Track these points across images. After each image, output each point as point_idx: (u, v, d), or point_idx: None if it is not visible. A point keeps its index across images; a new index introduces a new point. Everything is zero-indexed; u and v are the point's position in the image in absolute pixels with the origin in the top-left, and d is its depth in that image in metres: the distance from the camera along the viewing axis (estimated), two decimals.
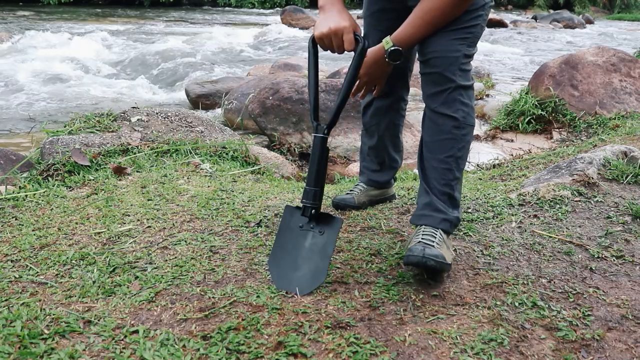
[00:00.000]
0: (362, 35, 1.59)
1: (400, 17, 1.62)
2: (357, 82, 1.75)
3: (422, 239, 1.55)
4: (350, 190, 2.14)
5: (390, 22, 1.70)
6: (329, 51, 1.62)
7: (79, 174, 2.43)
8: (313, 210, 1.55)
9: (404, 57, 1.64)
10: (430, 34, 1.59)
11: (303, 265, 1.51)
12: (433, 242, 1.54)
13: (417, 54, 1.71)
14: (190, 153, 2.75)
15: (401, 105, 1.99)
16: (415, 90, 6.43)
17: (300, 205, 1.57)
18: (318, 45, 1.62)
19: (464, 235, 1.85)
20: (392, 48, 1.60)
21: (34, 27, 12.16)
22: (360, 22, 1.82)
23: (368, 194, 2.12)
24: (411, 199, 2.20)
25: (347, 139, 4.06)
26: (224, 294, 1.45)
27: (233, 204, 2.12)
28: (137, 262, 1.63)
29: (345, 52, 1.59)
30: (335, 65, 7.36)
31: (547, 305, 1.44)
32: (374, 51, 1.67)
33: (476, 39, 1.65)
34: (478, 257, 1.70)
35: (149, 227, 1.89)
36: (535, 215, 2.00)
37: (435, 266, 1.47)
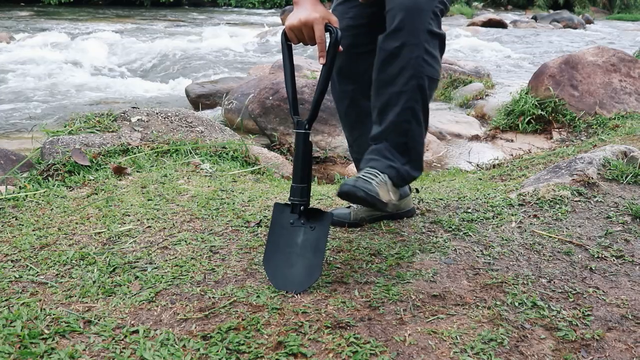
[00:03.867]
0: (336, 26, 1.56)
1: (367, 4, 1.58)
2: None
3: (362, 174, 1.51)
4: (351, 204, 1.92)
5: (357, 10, 1.67)
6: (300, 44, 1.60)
7: (79, 174, 2.44)
8: (302, 207, 1.55)
9: None
10: None
11: (297, 262, 1.51)
12: (372, 180, 1.49)
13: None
14: (190, 153, 2.75)
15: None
16: None
17: (289, 202, 1.57)
18: (291, 39, 1.60)
19: (464, 235, 1.85)
20: None
21: (34, 27, 12.16)
22: None
23: (369, 210, 1.91)
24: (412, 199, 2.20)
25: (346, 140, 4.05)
26: (224, 294, 1.45)
27: (233, 204, 2.12)
28: (137, 262, 1.64)
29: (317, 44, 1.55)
30: None
31: (547, 305, 1.44)
32: None
33: None
34: (478, 257, 1.70)
35: (149, 227, 1.89)
36: (535, 215, 2.00)
37: (365, 197, 1.43)
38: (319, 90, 1.58)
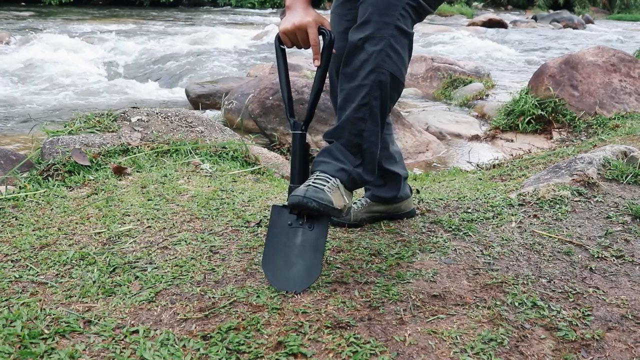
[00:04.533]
0: (329, 29, 1.58)
1: None
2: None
3: (312, 183, 1.46)
4: (351, 204, 1.94)
5: (355, 12, 1.60)
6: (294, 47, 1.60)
7: (79, 174, 2.44)
8: None
9: None
10: None
11: (297, 263, 1.51)
12: (324, 186, 1.45)
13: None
14: (190, 153, 2.75)
15: None
16: (414, 90, 6.44)
17: (287, 203, 1.56)
18: (285, 43, 1.61)
19: (464, 235, 1.85)
20: None
21: (34, 27, 12.16)
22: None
23: (370, 210, 1.93)
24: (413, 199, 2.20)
25: None
26: (224, 294, 1.45)
27: (233, 204, 2.12)
28: (137, 262, 1.64)
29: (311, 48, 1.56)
30: None
31: (547, 305, 1.44)
32: None
33: None
34: (478, 257, 1.70)
35: (149, 227, 1.89)
36: (535, 215, 2.00)
37: (318, 208, 1.40)
38: (314, 91, 1.60)
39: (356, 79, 1.51)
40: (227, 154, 2.87)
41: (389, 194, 1.92)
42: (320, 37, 1.59)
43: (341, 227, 1.89)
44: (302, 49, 1.61)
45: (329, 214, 1.44)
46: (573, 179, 2.22)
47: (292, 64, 6.82)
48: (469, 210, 2.06)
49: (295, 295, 1.45)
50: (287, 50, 1.67)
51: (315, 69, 1.62)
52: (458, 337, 1.30)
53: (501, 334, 1.31)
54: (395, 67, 1.49)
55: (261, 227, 1.89)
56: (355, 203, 1.94)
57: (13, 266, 1.62)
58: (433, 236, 1.84)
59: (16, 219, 1.99)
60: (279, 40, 1.63)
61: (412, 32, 1.51)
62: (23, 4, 19.10)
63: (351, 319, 1.35)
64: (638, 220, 1.96)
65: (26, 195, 2.19)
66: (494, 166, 3.39)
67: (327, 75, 1.69)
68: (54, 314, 1.34)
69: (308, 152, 1.59)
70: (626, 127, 3.90)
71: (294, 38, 1.57)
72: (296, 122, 1.58)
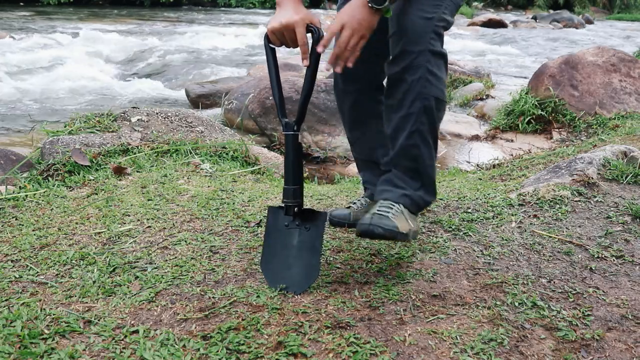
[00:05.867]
0: (318, 27, 1.54)
1: None
2: (338, 44, 1.48)
3: (377, 211, 1.49)
4: (351, 204, 1.95)
5: None
6: (283, 46, 1.57)
7: (79, 174, 2.43)
8: (296, 208, 1.54)
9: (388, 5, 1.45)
10: None
11: (295, 264, 1.51)
12: (388, 213, 1.48)
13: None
14: (190, 153, 2.75)
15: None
16: None
17: (282, 205, 1.56)
18: (273, 42, 1.58)
19: (464, 235, 1.85)
20: None
21: (34, 27, 12.16)
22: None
23: (368, 209, 1.94)
24: None
25: (347, 139, 4.05)
26: (224, 294, 1.45)
27: (233, 204, 2.12)
28: (137, 262, 1.64)
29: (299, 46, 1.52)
30: None
31: (547, 305, 1.44)
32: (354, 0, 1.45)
33: (454, 6, 1.54)
34: (478, 257, 1.70)
35: (149, 227, 1.89)
36: (535, 215, 2.00)
37: (384, 234, 1.42)
38: (304, 92, 1.57)
39: (402, 109, 1.54)
40: (227, 154, 2.87)
41: None
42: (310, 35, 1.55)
43: (341, 227, 1.89)
44: (291, 48, 1.58)
45: (396, 238, 1.47)
46: (573, 179, 2.22)
47: (291, 64, 6.82)
48: (469, 210, 2.06)
49: (295, 295, 1.45)
50: (288, 49, 1.63)
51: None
52: (458, 337, 1.30)
53: (501, 334, 1.31)
54: (437, 90, 1.53)
55: (261, 227, 1.89)
56: (354, 203, 1.94)
57: (13, 266, 1.62)
58: (433, 236, 1.84)
59: (16, 219, 1.98)
60: (267, 39, 1.59)
61: (445, 51, 1.54)
62: (22, 3, 19.10)
63: (351, 319, 1.35)
64: (638, 220, 1.96)
65: (26, 195, 2.19)
66: (494, 166, 3.39)
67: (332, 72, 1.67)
68: (54, 314, 1.34)
69: (301, 152, 1.58)
70: (626, 127, 3.90)
71: (282, 37, 1.54)
72: (288, 123, 1.56)
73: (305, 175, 2.68)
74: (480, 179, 2.77)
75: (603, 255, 1.72)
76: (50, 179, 2.41)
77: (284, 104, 1.61)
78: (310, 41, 1.54)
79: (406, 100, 1.53)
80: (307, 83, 1.57)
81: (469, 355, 1.23)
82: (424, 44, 1.48)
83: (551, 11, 24.00)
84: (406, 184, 1.57)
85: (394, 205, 1.52)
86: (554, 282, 1.56)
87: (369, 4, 1.43)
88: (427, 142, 1.56)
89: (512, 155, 3.88)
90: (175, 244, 1.75)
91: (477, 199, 2.19)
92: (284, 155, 1.57)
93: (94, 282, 1.51)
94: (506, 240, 1.82)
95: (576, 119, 4.36)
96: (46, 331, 1.27)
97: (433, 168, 1.60)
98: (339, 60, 1.49)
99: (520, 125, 4.50)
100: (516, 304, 1.44)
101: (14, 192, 2.23)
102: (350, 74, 1.78)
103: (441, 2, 1.52)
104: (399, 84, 1.53)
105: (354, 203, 1.94)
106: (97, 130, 2.86)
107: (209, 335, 1.27)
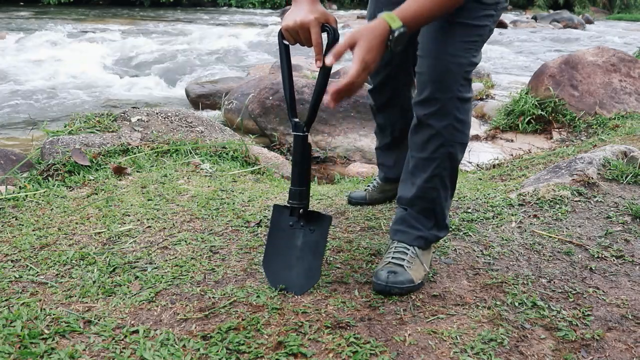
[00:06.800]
0: (334, 26, 1.50)
1: None
2: (360, 73, 1.35)
3: (391, 259, 1.54)
4: (367, 186, 2.17)
5: None
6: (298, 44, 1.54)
7: (79, 174, 2.43)
8: (301, 210, 1.53)
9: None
10: (437, 14, 1.36)
11: (297, 265, 1.50)
12: (403, 261, 1.52)
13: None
14: (190, 153, 2.75)
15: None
16: None
17: (288, 205, 1.55)
18: (287, 40, 1.54)
19: (464, 235, 1.85)
20: (402, 30, 1.31)
21: (34, 27, 12.16)
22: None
23: (383, 189, 2.13)
24: None
25: (347, 139, 4.06)
26: (224, 294, 1.45)
27: (233, 204, 2.12)
28: (137, 262, 1.64)
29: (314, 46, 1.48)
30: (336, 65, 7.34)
31: (547, 305, 1.44)
32: (377, 29, 1.33)
33: (482, 44, 1.52)
34: (478, 257, 1.70)
35: (149, 227, 1.89)
36: (535, 215, 2.00)
37: (400, 292, 1.47)
38: (316, 92, 1.52)
39: (425, 151, 1.54)
40: (227, 154, 2.87)
41: (399, 174, 1.95)
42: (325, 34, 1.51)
43: (360, 206, 2.13)
44: (305, 47, 1.54)
45: (412, 291, 1.51)
46: (573, 179, 2.22)
47: (292, 64, 6.82)
48: (469, 210, 2.06)
49: (295, 296, 1.45)
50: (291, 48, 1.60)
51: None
52: (458, 337, 1.30)
53: (501, 334, 1.31)
54: (462, 136, 1.53)
55: (261, 227, 1.89)
56: (369, 185, 2.17)
57: (13, 266, 1.62)
58: None
59: (16, 219, 1.98)
60: (281, 36, 1.55)
61: (472, 94, 1.53)
62: (22, 3, 19.11)
63: (351, 319, 1.35)
64: (638, 220, 1.96)
65: (26, 195, 2.19)
66: (494, 166, 3.39)
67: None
68: (54, 314, 1.34)
69: (310, 154, 1.56)
70: (626, 127, 3.90)
71: (296, 35, 1.50)
72: (298, 124, 1.53)
73: None
74: (480, 179, 2.77)
75: (603, 255, 1.72)
76: (50, 179, 2.41)
77: (295, 103, 1.57)
78: (325, 41, 1.50)
79: (430, 144, 1.52)
80: (320, 84, 1.52)
81: (469, 355, 1.23)
82: (454, 92, 1.46)
83: (551, 11, 23.99)
84: (420, 224, 1.58)
85: (408, 249, 1.56)
86: (554, 282, 1.56)
87: (387, 43, 1.34)
88: (445, 186, 1.57)
89: (512, 155, 3.88)
90: (175, 244, 1.75)
91: (477, 199, 2.19)
92: (292, 157, 1.55)
93: (94, 282, 1.51)
94: (506, 240, 1.82)
95: (576, 119, 4.36)
96: (46, 331, 1.27)
97: (448, 207, 1.62)
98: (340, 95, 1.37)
99: (520, 125, 4.50)
100: (516, 304, 1.44)
101: (14, 192, 2.23)
102: (383, 87, 1.89)
103: (474, 43, 1.47)
104: (425, 128, 1.52)
105: (369, 185, 2.17)
106: (97, 130, 2.86)
107: (209, 335, 1.27)
